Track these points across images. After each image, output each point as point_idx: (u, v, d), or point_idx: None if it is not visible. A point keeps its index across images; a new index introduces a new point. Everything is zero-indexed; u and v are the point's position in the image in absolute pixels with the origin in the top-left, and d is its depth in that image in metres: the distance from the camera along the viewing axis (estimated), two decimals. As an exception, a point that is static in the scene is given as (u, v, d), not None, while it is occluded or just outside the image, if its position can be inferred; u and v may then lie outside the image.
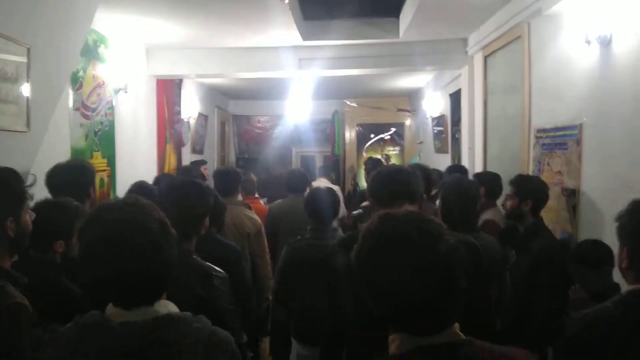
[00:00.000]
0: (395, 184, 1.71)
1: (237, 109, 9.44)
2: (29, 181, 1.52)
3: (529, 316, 2.32)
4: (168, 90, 5.76)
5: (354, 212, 3.79)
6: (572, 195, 2.89)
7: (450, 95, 5.89)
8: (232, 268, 2.00)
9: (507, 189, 2.73)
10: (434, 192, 3.11)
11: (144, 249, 1.04)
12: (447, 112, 6.08)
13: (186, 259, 1.69)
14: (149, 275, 1.06)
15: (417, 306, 0.90)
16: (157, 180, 3.64)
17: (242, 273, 2.37)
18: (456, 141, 5.68)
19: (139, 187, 3.01)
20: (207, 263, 1.76)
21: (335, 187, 5.59)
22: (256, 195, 4.63)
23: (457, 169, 4.05)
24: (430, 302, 0.90)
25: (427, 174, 2.72)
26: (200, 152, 7.34)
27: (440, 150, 6.54)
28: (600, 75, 2.64)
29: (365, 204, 3.59)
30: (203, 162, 5.80)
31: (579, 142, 2.84)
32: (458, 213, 2.23)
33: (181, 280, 1.29)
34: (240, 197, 3.78)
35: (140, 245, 1.04)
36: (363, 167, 8.41)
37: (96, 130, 4.09)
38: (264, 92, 8.21)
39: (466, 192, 2.31)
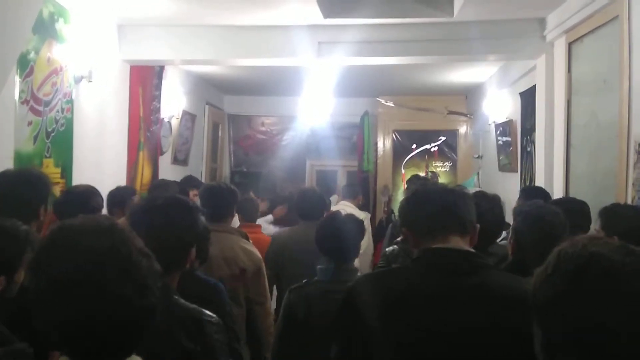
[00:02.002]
0: (439, 208, 1.72)
1: (234, 107, 9.56)
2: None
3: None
4: (145, 81, 5.87)
5: (387, 249, 3.78)
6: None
7: (521, 94, 5.88)
8: (209, 307, 2.04)
9: (596, 223, 2.71)
10: (503, 237, 3.07)
11: (125, 290, 1.06)
12: (517, 117, 6.06)
13: (167, 300, 1.71)
14: (125, 324, 1.08)
15: None
16: (153, 189, 3.72)
17: (223, 310, 2.40)
18: (528, 156, 5.64)
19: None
20: (194, 305, 1.77)
21: (363, 215, 5.62)
22: (258, 223, 4.66)
23: (536, 192, 4.00)
24: None
25: (493, 206, 2.63)
26: (184, 162, 7.42)
27: (507, 167, 6.49)
28: None
29: (402, 237, 3.57)
30: (194, 183, 5.74)
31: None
32: (534, 253, 2.21)
33: (160, 328, 1.31)
34: (236, 223, 3.82)
35: (120, 285, 1.06)
36: (402, 187, 8.43)
37: (49, 130, 4.18)
38: (270, 85, 8.30)
39: (549, 226, 2.28)
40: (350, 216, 2.92)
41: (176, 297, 1.77)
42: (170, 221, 1.84)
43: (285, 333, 2.70)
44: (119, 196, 3.88)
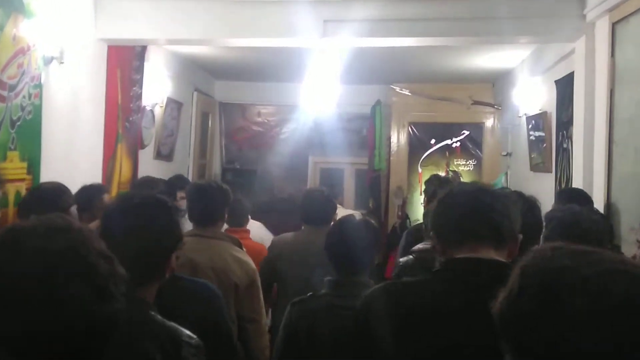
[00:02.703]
0: (470, 211, 1.71)
1: (226, 95, 9.57)
2: None
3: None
4: (124, 63, 5.87)
5: (401, 260, 3.77)
6: None
7: (556, 82, 5.85)
8: (202, 309, 2.02)
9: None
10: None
11: (81, 294, 1.07)
12: (552, 109, 6.03)
13: (141, 315, 1.70)
14: (83, 332, 1.08)
15: None
16: (136, 187, 3.72)
17: (218, 317, 2.41)
18: (564, 153, 5.61)
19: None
20: (172, 323, 1.76)
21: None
22: (246, 227, 4.67)
23: (575, 196, 3.97)
24: None
25: (532, 207, 2.61)
26: (168, 157, 7.42)
27: (540, 167, 6.47)
28: None
29: (420, 246, 3.56)
30: (184, 184, 5.71)
31: None
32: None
33: (134, 347, 1.30)
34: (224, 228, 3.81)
35: (76, 288, 1.07)
36: (419, 189, 8.42)
37: (14, 118, 4.18)
38: (268, 70, 8.30)
39: (586, 235, 2.27)
40: (366, 222, 2.91)
41: (153, 313, 1.76)
42: (148, 223, 1.84)
43: (286, 353, 2.70)
44: (84, 197, 3.83)
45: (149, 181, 4.77)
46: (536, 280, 1.08)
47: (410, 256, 3.65)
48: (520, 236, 1.77)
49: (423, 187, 6.39)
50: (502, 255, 1.71)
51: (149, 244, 1.80)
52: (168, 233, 1.87)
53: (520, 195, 2.75)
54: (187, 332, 1.78)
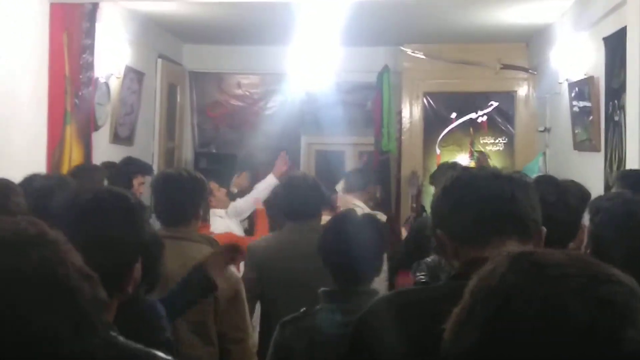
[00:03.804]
0: (489, 202, 1.72)
1: (198, 62, 9.53)
2: None
3: None
4: (71, 25, 5.83)
5: (429, 259, 3.78)
6: None
7: (605, 40, 5.84)
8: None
9: None
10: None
11: (59, 329, 1.07)
12: (600, 73, 6.03)
13: (101, 336, 1.69)
14: None
15: None
16: (28, 182, 3.67)
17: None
18: (616, 127, 5.61)
19: None
20: (139, 346, 1.76)
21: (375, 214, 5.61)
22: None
23: (633, 178, 3.97)
24: None
25: (565, 196, 2.63)
26: (128, 140, 7.40)
27: (585, 145, 6.47)
28: None
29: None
30: (141, 168, 5.71)
31: None
32: (624, 261, 2.21)
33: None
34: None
35: (52, 322, 1.06)
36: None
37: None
38: (249, 30, 8.25)
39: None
40: (369, 217, 2.91)
41: (114, 334, 1.76)
42: (104, 226, 1.83)
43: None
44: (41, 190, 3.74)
45: (86, 169, 4.74)
46: (481, 304, 1.06)
47: (434, 257, 3.66)
48: (544, 229, 1.79)
49: (431, 180, 6.36)
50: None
51: (105, 252, 1.79)
52: (130, 238, 1.86)
53: (549, 180, 2.76)
54: (160, 354, 1.78)
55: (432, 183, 6.32)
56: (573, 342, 0.97)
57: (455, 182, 1.81)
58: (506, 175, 1.83)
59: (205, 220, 4.71)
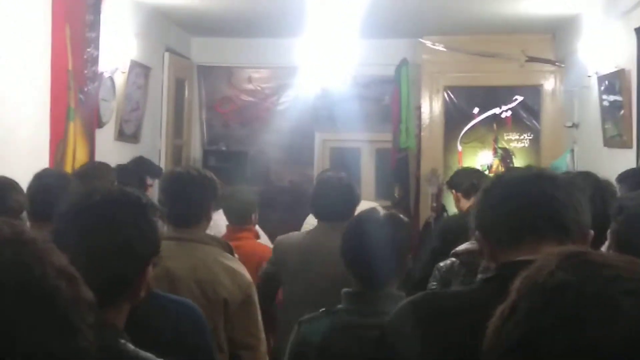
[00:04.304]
0: (527, 203, 1.75)
1: (207, 55, 9.55)
2: None
3: None
4: (75, 17, 5.84)
5: (441, 264, 3.77)
6: None
7: (637, 30, 5.82)
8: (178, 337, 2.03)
9: None
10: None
11: (38, 333, 1.06)
12: (632, 66, 6.01)
13: (108, 345, 1.70)
14: None
15: None
16: (38, 179, 3.68)
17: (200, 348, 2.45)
18: (649, 123, 5.60)
19: None
20: (148, 355, 1.76)
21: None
22: (246, 227, 4.73)
23: (637, 179, 3.99)
24: None
25: (595, 192, 2.66)
26: (134, 138, 7.42)
27: (616, 141, 6.46)
28: None
29: (465, 247, 3.57)
30: (151, 170, 5.72)
31: None
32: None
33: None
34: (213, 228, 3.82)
35: (30, 325, 1.06)
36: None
37: None
38: (260, 22, 8.27)
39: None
40: (392, 217, 2.90)
41: (123, 342, 1.76)
42: (114, 227, 1.84)
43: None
44: (46, 191, 3.68)
45: (96, 168, 4.74)
46: (527, 300, 1.08)
47: (454, 259, 3.66)
48: (592, 232, 1.81)
49: (449, 184, 6.35)
50: None
51: (116, 254, 1.80)
52: (141, 239, 1.87)
53: (577, 175, 2.75)
54: None
55: (450, 188, 6.32)
56: (623, 343, 0.98)
57: (496, 182, 1.86)
58: (549, 175, 1.85)
59: (245, 224, 4.71)
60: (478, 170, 6.87)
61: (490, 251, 1.80)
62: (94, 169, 4.76)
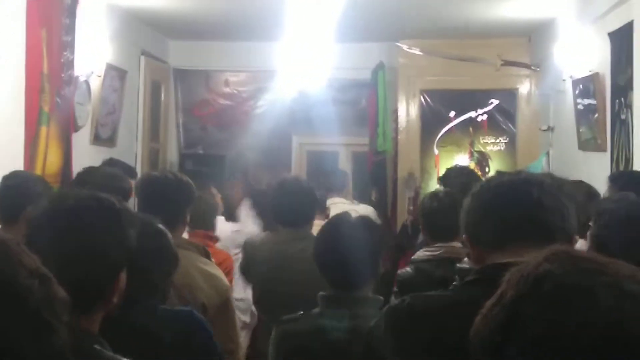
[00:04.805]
0: (514, 208, 1.78)
1: (183, 59, 9.53)
2: None
3: None
4: (50, 21, 5.81)
5: (400, 272, 3.79)
6: None
7: (610, 35, 5.86)
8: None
9: None
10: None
11: (12, 334, 1.07)
12: (605, 70, 6.04)
13: (83, 348, 1.69)
14: None
15: None
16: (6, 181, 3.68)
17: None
18: (622, 126, 5.63)
19: None
20: (121, 358, 1.76)
21: (365, 210, 5.68)
22: (206, 231, 4.72)
23: (626, 180, 4.00)
24: None
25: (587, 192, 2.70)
26: (110, 142, 7.39)
27: (591, 144, 6.49)
28: None
29: (423, 254, 3.59)
30: (125, 172, 5.72)
31: None
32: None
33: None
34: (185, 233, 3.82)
35: (4, 326, 1.06)
36: (435, 175, 8.42)
37: None
38: (237, 25, 8.26)
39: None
40: (365, 220, 2.93)
41: (98, 348, 1.76)
42: (87, 233, 1.83)
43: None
44: (15, 196, 3.69)
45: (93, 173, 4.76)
46: (513, 288, 1.14)
47: (408, 269, 3.68)
48: (578, 238, 1.87)
49: (440, 183, 6.34)
50: None
51: (88, 261, 1.80)
52: (114, 246, 1.86)
53: (580, 185, 2.78)
54: None
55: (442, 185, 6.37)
56: (600, 330, 1.04)
57: (483, 187, 1.89)
58: (537, 180, 1.87)
59: (209, 228, 4.72)
60: (468, 168, 6.87)
61: (476, 254, 1.82)
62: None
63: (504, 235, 1.76)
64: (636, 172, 4.59)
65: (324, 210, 4.85)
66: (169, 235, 2.65)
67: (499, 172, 2.13)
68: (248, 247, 4.06)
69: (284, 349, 2.75)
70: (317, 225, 4.16)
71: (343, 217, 3.06)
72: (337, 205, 5.71)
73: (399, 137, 8.96)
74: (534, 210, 1.76)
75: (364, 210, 5.60)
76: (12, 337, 1.07)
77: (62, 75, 6.04)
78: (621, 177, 4.28)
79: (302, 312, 2.80)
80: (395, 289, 3.75)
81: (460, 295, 1.79)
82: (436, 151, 8.80)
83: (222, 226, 5.27)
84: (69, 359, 1.14)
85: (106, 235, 1.86)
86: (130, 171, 6.01)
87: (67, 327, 1.14)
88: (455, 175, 5.66)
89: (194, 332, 2.49)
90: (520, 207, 1.77)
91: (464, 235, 1.88)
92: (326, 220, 4.59)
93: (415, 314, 1.81)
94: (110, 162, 6.01)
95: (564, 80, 7.17)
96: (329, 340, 2.52)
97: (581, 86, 6.65)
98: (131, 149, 8.08)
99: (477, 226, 1.83)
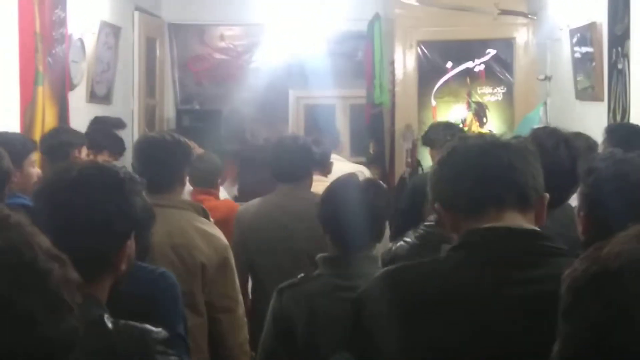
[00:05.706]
0: (487, 172, 1.78)
1: (178, 13, 9.46)
2: None
3: None
4: (41, -22, 5.77)
5: (394, 245, 3.79)
6: None
7: (608, -16, 5.83)
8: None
9: None
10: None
11: (32, 312, 1.07)
12: (602, 19, 6.02)
13: (93, 320, 1.71)
14: None
15: None
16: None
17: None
18: (619, 76, 5.63)
19: None
20: (133, 324, 1.79)
21: (357, 168, 5.68)
22: (209, 190, 4.79)
23: (624, 133, 4.01)
24: None
25: (571, 151, 2.73)
26: (106, 99, 7.38)
27: (588, 93, 6.50)
28: None
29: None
30: (115, 124, 5.80)
31: None
32: (617, 222, 2.23)
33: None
34: (186, 193, 3.85)
35: (24, 305, 1.06)
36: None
37: None
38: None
39: (637, 191, 2.30)
40: (370, 182, 2.96)
41: (106, 316, 1.79)
42: (91, 204, 1.84)
43: (279, 352, 2.76)
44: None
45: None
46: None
47: (408, 239, 3.55)
48: (547, 196, 1.85)
49: (426, 140, 6.35)
50: (530, 220, 1.79)
51: (93, 232, 1.81)
52: (119, 216, 1.87)
53: (544, 130, 2.79)
54: (150, 327, 1.80)
55: (425, 144, 6.35)
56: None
57: (451, 153, 1.86)
58: (504, 142, 1.87)
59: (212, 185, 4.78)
60: (452, 124, 6.86)
61: (452, 222, 1.81)
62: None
63: (482, 203, 1.76)
64: (634, 125, 4.59)
65: (326, 166, 4.85)
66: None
67: (461, 137, 2.10)
68: (245, 213, 4.06)
69: (297, 312, 2.72)
70: (317, 180, 4.22)
71: (349, 177, 3.08)
72: (342, 164, 5.69)
73: (396, 89, 8.91)
74: (508, 175, 1.77)
75: (357, 168, 5.58)
76: (33, 322, 1.07)
77: (54, 34, 6.01)
78: (618, 130, 4.29)
79: (302, 275, 2.80)
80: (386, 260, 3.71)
81: (449, 261, 1.80)
82: (434, 103, 8.76)
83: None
84: (80, 334, 1.16)
85: (110, 206, 1.87)
86: (119, 123, 6.07)
87: (79, 308, 1.15)
88: (437, 132, 5.69)
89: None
90: (495, 173, 1.77)
91: (435, 204, 1.86)
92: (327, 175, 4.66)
93: (405, 281, 1.82)
94: (97, 121, 6.03)
95: (561, 29, 7.14)
96: (344, 298, 2.54)
97: (578, 35, 6.62)
98: (127, 106, 8.05)
99: (448, 194, 1.81)
